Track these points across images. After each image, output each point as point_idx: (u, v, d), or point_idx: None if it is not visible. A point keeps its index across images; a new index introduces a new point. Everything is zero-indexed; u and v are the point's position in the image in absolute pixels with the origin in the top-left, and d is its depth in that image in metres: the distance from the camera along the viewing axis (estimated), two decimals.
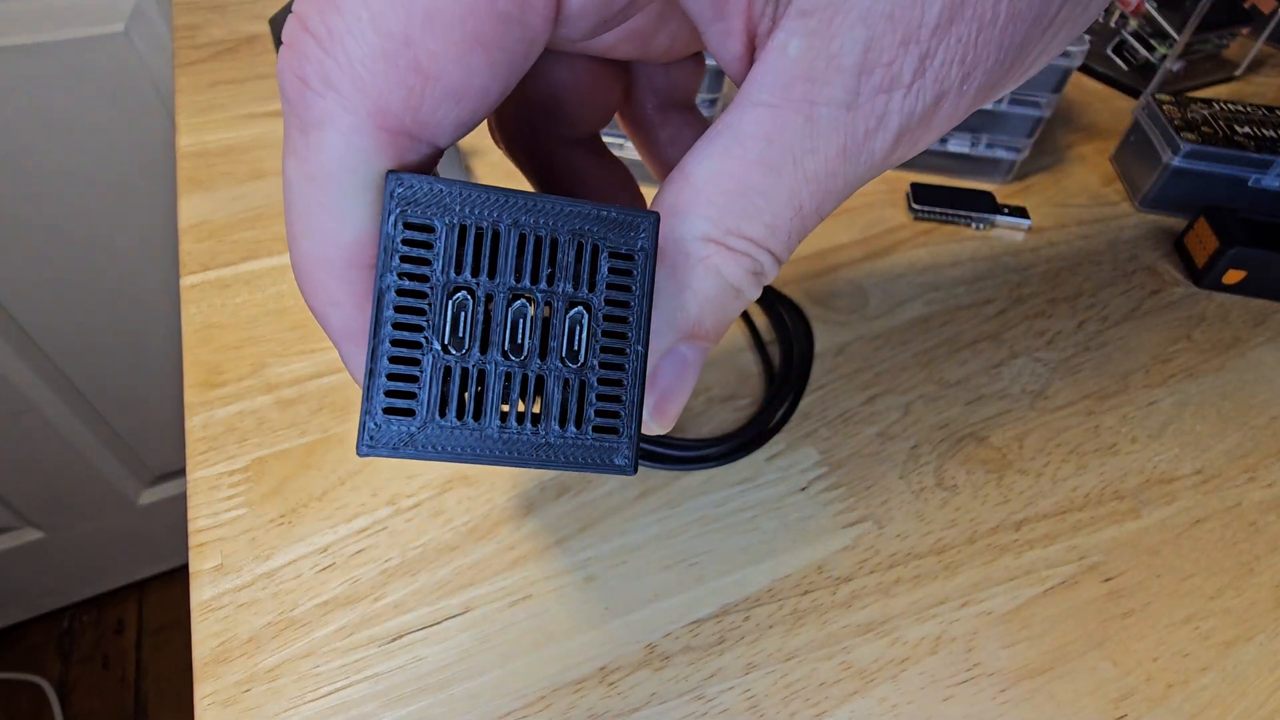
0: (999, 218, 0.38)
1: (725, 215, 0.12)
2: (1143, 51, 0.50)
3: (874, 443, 0.27)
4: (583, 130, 0.16)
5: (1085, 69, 0.54)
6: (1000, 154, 0.40)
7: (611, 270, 0.12)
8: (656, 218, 0.12)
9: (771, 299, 0.32)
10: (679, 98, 0.17)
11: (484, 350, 0.12)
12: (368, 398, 0.11)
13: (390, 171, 0.11)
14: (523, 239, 0.11)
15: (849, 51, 0.10)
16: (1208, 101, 0.40)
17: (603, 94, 0.16)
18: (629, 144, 0.30)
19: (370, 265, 0.12)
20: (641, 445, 0.24)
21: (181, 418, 0.28)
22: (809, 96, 0.11)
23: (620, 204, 0.15)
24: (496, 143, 0.17)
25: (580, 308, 0.12)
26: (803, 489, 0.26)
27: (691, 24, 0.13)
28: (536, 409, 0.12)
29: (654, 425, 0.14)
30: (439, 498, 0.25)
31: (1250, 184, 0.37)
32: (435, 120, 0.11)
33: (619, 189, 0.17)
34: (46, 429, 0.85)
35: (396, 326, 0.11)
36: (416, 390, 0.11)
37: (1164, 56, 0.48)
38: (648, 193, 0.23)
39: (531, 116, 0.16)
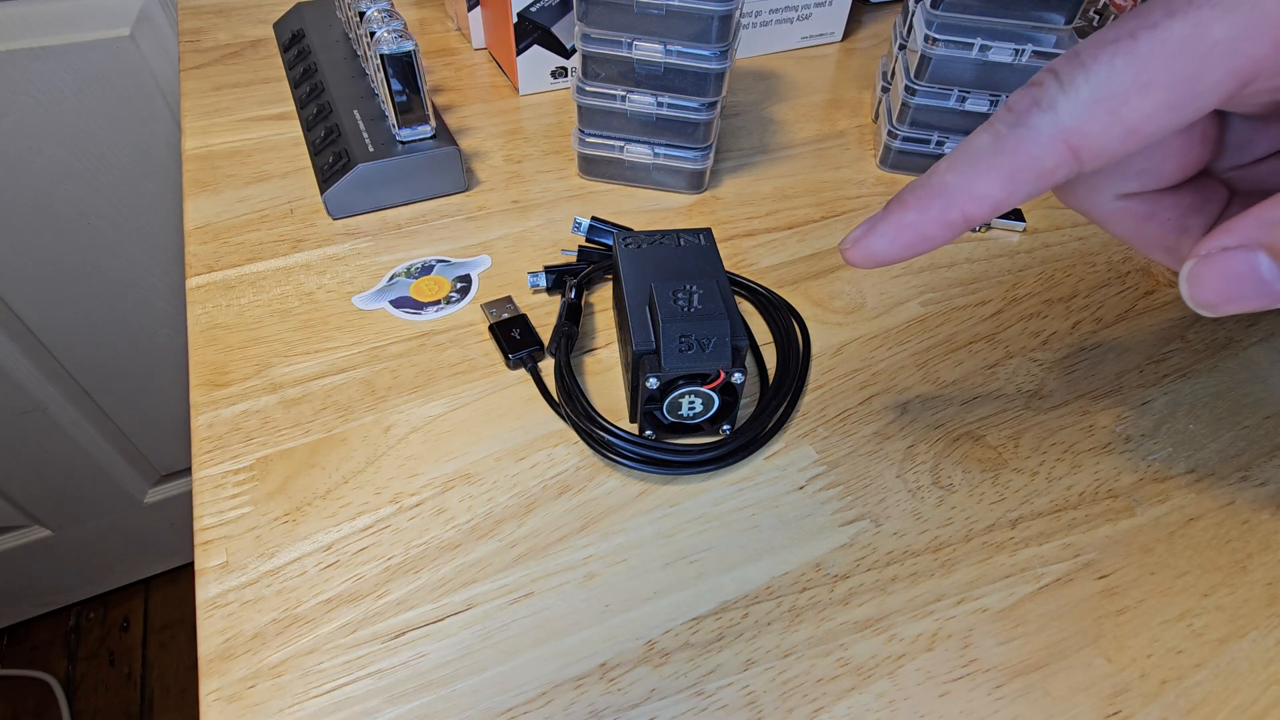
0: (995, 220, 0.38)
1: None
2: None
3: (871, 442, 0.28)
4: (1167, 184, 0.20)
5: None
6: None
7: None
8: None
9: (770, 301, 0.33)
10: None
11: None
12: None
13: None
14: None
15: None
16: None
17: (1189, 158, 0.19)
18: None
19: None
20: (640, 451, 0.26)
21: (187, 417, 0.28)
22: None
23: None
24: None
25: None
26: (801, 488, 0.26)
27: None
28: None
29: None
30: (441, 496, 0.25)
31: None
32: (1098, 152, 0.16)
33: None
34: (53, 428, 0.85)
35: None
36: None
37: None
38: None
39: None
